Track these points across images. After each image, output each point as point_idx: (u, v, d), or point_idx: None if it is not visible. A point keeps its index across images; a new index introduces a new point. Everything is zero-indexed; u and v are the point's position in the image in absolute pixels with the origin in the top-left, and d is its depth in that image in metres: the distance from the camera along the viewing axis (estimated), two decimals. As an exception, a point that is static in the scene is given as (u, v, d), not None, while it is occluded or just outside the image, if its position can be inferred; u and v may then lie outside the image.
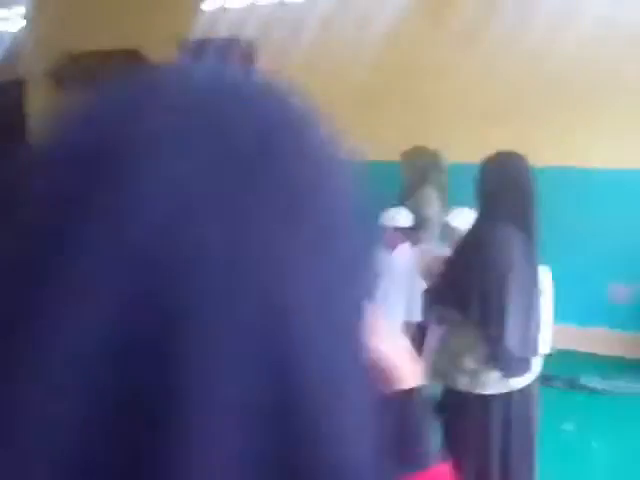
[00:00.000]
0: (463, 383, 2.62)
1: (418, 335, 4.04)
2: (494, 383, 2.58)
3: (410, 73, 5.40)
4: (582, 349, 4.98)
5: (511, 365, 2.56)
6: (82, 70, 7.25)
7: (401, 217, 4.05)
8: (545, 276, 3.42)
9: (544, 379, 4.38)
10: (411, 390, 0.71)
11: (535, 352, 2.68)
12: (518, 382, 2.62)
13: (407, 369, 0.72)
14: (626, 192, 4.89)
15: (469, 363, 2.59)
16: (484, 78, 5.14)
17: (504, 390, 2.60)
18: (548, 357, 4.72)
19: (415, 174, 4.39)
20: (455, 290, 2.61)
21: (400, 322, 4.03)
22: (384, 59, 5.43)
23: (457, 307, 2.62)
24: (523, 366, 2.61)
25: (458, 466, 2.12)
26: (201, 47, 5.93)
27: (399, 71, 5.45)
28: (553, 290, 3.49)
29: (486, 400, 2.60)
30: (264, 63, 6.04)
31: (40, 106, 7.11)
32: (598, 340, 5.00)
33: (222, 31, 5.98)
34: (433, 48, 5.27)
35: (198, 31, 6.02)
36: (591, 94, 4.88)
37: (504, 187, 2.55)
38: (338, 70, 5.61)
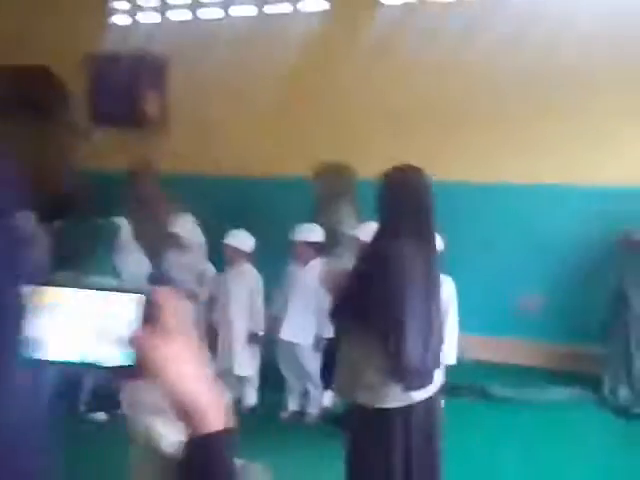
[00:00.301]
0: (364, 397, 2.59)
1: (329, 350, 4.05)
2: (394, 396, 2.55)
3: (323, 88, 5.42)
4: (492, 359, 5.08)
5: (411, 378, 2.54)
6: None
7: (312, 232, 4.06)
8: (448, 287, 3.48)
9: (452, 389, 4.47)
10: (218, 432, 0.70)
11: (437, 364, 2.68)
12: (419, 395, 2.60)
13: (213, 411, 0.71)
14: (538, 205, 5.06)
15: (369, 377, 2.57)
16: (394, 93, 5.21)
17: (404, 403, 2.57)
18: (457, 367, 4.83)
19: (328, 190, 4.39)
20: (354, 304, 2.59)
21: (313, 337, 4.03)
22: (297, 74, 5.43)
23: (356, 320, 2.60)
24: (424, 379, 2.59)
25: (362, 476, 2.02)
26: (110, 61, 5.79)
27: (312, 86, 5.46)
28: (457, 301, 3.56)
29: (387, 414, 2.57)
30: (174, 78, 5.94)
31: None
32: (508, 350, 5.11)
33: (133, 46, 5.84)
34: (346, 63, 5.32)
35: (108, 46, 5.86)
36: (498, 110, 5.03)
37: (402, 201, 2.56)
38: (250, 86, 5.59)
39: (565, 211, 5.00)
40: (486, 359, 5.07)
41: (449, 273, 3.60)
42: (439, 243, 3.34)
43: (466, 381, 4.61)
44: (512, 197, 5.09)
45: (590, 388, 4.54)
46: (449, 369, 3.67)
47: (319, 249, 4.08)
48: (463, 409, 4.31)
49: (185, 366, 0.72)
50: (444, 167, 5.07)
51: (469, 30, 4.95)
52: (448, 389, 4.33)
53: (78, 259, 4.05)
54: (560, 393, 4.51)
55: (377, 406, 2.56)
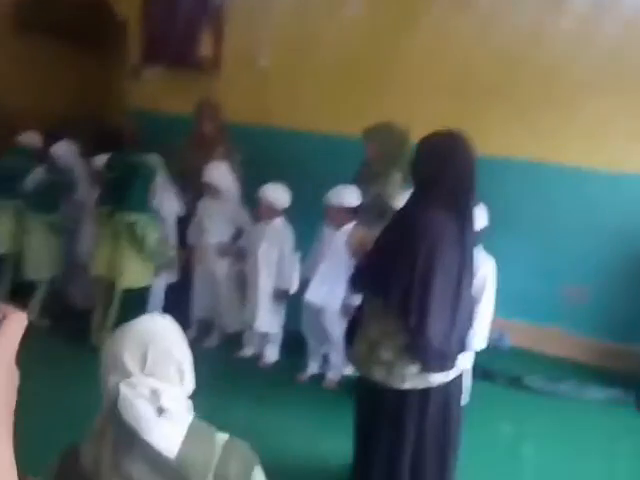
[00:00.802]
0: (379, 374, 2.38)
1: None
2: (411, 377, 2.34)
3: (391, 48, 5.10)
4: (532, 347, 4.80)
5: (430, 359, 2.32)
6: (45, 14, 6.92)
7: (347, 197, 3.83)
8: (487, 266, 3.21)
9: (486, 374, 4.25)
10: None
11: (462, 347, 2.45)
12: (438, 378, 2.38)
13: None
14: (596, 191, 4.66)
15: (386, 354, 2.36)
16: (463, 63, 4.87)
17: (421, 385, 2.36)
18: (494, 352, 4.59)
19: (384, 156, 4.08)
20: (377, 275, 2.37)
21: (340, 303, 3.85)
22: (364, 30, 5.13)
23: (378, 293, 2.38)
24: (445, 361, 2.37)
25: (370, 456, 1.90)
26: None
27: (380, 44, 5.14)
28: (497, 283, 3.30)
29: (402, 394, 2.37)
30: (233, 20, 5.71)
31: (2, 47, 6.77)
32: (548, 340, 4.81)
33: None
34: (419, 24, 4.98)
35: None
36: (572, 91, 4.63)
37: (437, 169, 2.30)
38: (312, 38, 5.32)
39: (622, 200, 4.59)
40: (525, 347, 4.80)
41: (492, 252, 3.35)
42: (481, 218, 3.08)
43: (502, 367, 4.38)
44: (571, 180, 4.71)
45: (633, 390, 4.21)
46: (483, 353, 3.47)
47: (354, 213, 3.84)
48: (495, 395, 4.11)
49: None
50: (505, 142, 4.77)
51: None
52: (481, 373, 4.17)
53: (117, 195, 4.00)
54: (599, 391, 4.20)
55: (392, 385, 2.36)
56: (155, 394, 1.27)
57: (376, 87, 5.15)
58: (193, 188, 4.49)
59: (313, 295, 3.88)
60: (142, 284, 4.13)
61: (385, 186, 3.98)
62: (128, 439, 1.25)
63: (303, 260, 4.12)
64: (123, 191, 3.98)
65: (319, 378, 4.09)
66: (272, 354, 4.27)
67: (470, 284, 2.43)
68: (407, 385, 2.36)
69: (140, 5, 5.76)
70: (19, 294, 4.50)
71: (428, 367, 2.33)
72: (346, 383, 3.95)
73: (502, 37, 4.68)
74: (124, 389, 1.26)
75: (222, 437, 1.38)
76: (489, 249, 3.30)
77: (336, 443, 3.12)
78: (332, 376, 4.04)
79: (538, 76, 4.68)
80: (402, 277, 2.26)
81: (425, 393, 2.39)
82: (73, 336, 4.26)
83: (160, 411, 1.26)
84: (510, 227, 4.68)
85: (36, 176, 4.53)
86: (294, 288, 4.07)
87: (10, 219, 4.62)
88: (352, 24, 5.13)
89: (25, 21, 6.79)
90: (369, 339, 2.45)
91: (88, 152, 4.71)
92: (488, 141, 4.67)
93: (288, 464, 3.11)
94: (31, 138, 4.81)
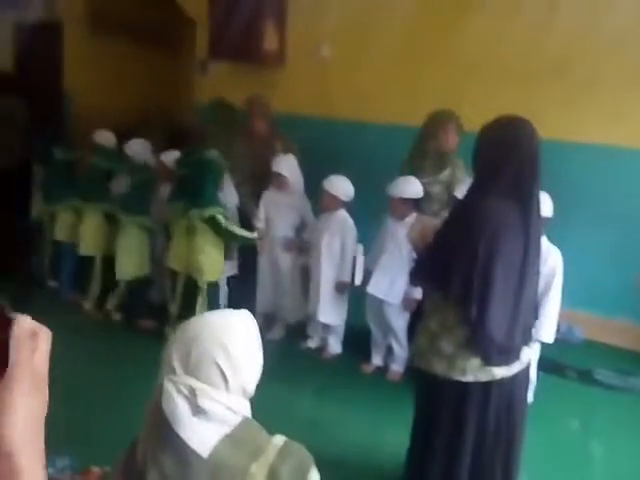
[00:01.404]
0: (440, 367, 2.39)
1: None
2: (473, 370, 2.34)
3: (453, 39, 5.03)
4: (604, 340, 4.66)
5: (493, 352, 2.30)
6: (118, 14, 7.18)
7: (411, 187, 3.83)
8: (554, 258, 3.15)
9: (555, 368, 4.17)
10: None
11: (526, 340, 2.42)
12: (501, 371, 2.36)
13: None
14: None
15: (447, 346, 2.36)
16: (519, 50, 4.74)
17: (484, 379, 2.35)
18: (565, 345, 4.49)
19: (436, 144, 4.05)
20: (437, 267, 2.37)
21: (402, 296, 3.86)
22: (427, 22, 5.08)
23: (438, 285, 2.38)
24: (508, 354, 2.35)
25: (428, 450, 1.92)
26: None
27: (442, 36, 5.08)
28: (565, 274, 3.23)
29: (463, 387, 2.37)
30: (297, 14, 5.76)
31: (75, 49, 7.07)
32: (620, 332, 4.66)
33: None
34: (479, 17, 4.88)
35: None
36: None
37: (499, 156, 2.25)
38: (375, 30, 5.30)
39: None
40: (595, 339, 4.67)
41: (561, 241, 3.28)
42: (545, 207, 3.01)
43: (571, 360, 4.29)
44: (637, 163, 4.52)
45: None
46: (552, 346, 3.41)
47: (416, 205, 3.84)
48: (564, 389, 4.03)
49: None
50: (574, 126, 4.63)
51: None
52: (550, 366, 4.09)
53: (190, 192, 4.12)
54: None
55: (454, 378, 2.36)
56: (193, 393, 1.28)
57: (438, 75, 5.09)
58: (250, 183, 4.59)
59: (375, 287, 3.90)
60: (221, 276, 4.27)
61: (453, 172, 3.97)
62: (166, 433, 1.28)
63: (366, 252, 4.15)
64: (196, 187, 4.06)
65: (383, 370, 4.12)
66: (335, 346, 4.32)
67: (535, 275, 2.39)
68: (469, 378, 2.35)
69: (206, 2, 5.89)
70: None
71: (490, 360, 2.31)
72: (410, 375, 3.97)
73: (566, 16, 4.53)
74: (167, 385, 1.29)
75: (279, 440, 1.36)
76: (558, 239, 3.23)
77: (399, 435, 3.14)
78: (396, 368, 4.06)
79: (607, 55, 4.51)
80: (462, 269, 2.25)
81: (487, 386, 2.37)
82: (151, 331, 4.45)
83: (197, 410, 1.27)
84: (579, 215, 4.56)
85: (122, 178, 4.70)
86: (358, 280, 4.10)
87: (101, 222, 4.78)
88: (414, 11, 5.08)
89: (98, 22, 7.07)
90: (430, 331, 2.45)
91: (161, 149, 4.85)
92: (555, 124, 4.58)
93: (350, 456, 3.16)
94: (106, 137, 4.96)
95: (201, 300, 4.09)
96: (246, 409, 1.37)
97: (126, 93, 6.97)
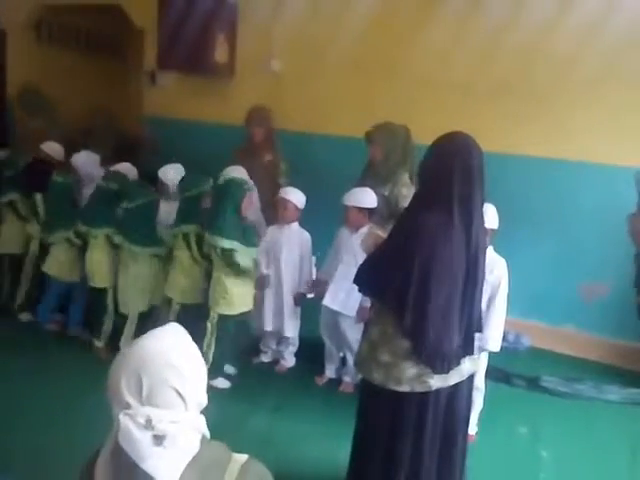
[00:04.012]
0: (378, 376, 2.40)
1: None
2: (409, 380, 2.35)
3: (398, 51, 5.12)
4: (550, 348, 4.79)
5: (431, 360, 2.32)
6: (61, 23, 7.04)
7: (364, 198, 3.85)
8: (499, 268, 3.21)
9: (503, 376, 4.25)
10: None
11: (467, 351, 2.45)
12: (437, 382, 2.37)
13: None
14: (611, 187, 4.63)
15: (385, 356, 2.37)
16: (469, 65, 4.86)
17: (420, 389, 2.36)
18: (512, 354, 4.58)
19: (387, 157, 4.10)
20: (375, 276, 2.39)
21: (357, 307, 3.86)
22: (374, 32, 5.16)
23: (376, 294, 2.40)
24: (449, 363, 2.36)
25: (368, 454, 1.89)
26: (183, 5, 5.68)
27: (387, 46, 5.17)
28: (511, 284, 3.29)
29: (399, 396, 2.38)
30: (247, 26, 5.77)
31: (18, 57, 6.89)
32: (566, 340, 4.79)
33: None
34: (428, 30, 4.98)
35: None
36: (585, 89, 4.61)
37: (441, 170, 2.30)
38: (324, 38, 5.35)
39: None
40: (542, 347, 4.79)
41: (507, 252, 3.35)
42: (491, 219, 3.08)
43: (519, 369, 4.38)
44: (587, 176, 4.68)
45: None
46: (500, 354, 3.47)
47: (371, 215, 3.87)
48: (512, 397, 4.11)
49: None
50: (519, 139, 4.76)
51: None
52: (498, 375, 4.17)
53: (194, 214, 3.96)
54: (617, 392, 4.18)
55: (390, 387, 2.38)
56: (150, 423, 1.22)
57: (388, 88, 5.17)
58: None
59: (331, 300, 3.90)
60: (238, 310, 3.91)
61: (394, 187, 4.01)
62: (127, 469, 1.23)
63: (317, 263, 4.15)
64: (213, 212, 3.79)
65: (336, 382, 4.12)
66: (290, 359, 4.30)
67: (477, 285, 2.42)
68: (405, 388, 2.36)
69: (156, 13, 5.83)
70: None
71: (433, 369, 2.34)
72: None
73: (515, 35, 4.66)
74: (123, 420, 1.23)
75: (239, 459, 1.33)
76: (505, 249, 3.30)
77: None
78: (348, 380, 4.07)
79: (553, 71, 4.67)
80: (398, 279, 2.28)
81: (424, 397, 2.39)
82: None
83: (158, 439, 1.22)
84: (525, 226, 4.68)
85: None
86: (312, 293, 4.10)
87: (110, 249, 4.26)
88: (365, 26, 5.15)
89: (44, 31, 6.92)
90: (370, 340, 2.47)
91: (109, 160, 4.75)
92: (502, 138, 4.72)
93: (305, 470, 3.14)
94: (53, 149, 4.80)
95: (210, 331, 3.84)
96: (204, 425, 1.33)
97: (72, 103, 6.83)
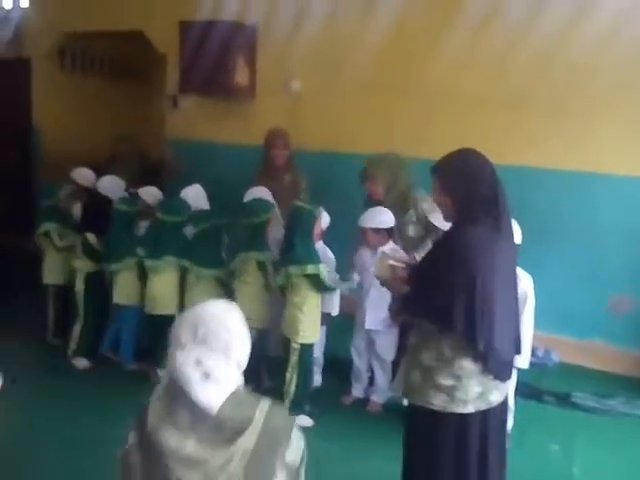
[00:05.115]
0: (438, 401, 2.36)
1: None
2: (473, 401, 2.33)
3: (414, 68, 5.15)
4: (579, 363, 4.72)
5: (503, 371, 2.36)
6: (84, 50, 7.19)
7: (383, 218, 3.86)
8: (525, 283, 3.18)
9: (533, 393, 4.19)
10: None
11: (519, 351, 2.49)
12: (496, 397, 2.38)
13: None
14: (632, 200, 4.58)
15: (445, 379, 2.34)
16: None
17: (483, 407, 2.35)
18: (541, 369, 4.51)
19: (393, 187, 4.03)
20: (433, 300, 2.33)
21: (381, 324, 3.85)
22: (390, 52, 5.19)
23: (435, 318, 2.33)
24: (510, 372, 2.44)
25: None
26: (204, 30, 5.77)
27: (404, 65, 5.20)
28: (535, 298, 3.27)
29: (464, 419, 2.36)
30: (266, 48, 5.85)
31: (43, 85, 7.05)
32: (595, 355, 4.71)
33: (226, 15, 5.79)
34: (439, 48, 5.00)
35: (201, 14, 5.84)
36: (602, 97, 4.57)
37: (484, 186, 2.30)
38: (341, 59, 5.40)
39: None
40: (572, 362, 4.71)
41: (532, 268, 3.32)
42: (517, 235, 3.06)
43: (549, 385, 4.32)
44: (612, 188, 4.63)
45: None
46: (529, 371, 3.43)
47: (390, 234, 3.87)
48: (543, 414, 4.05)
49: None
50: (541, 153, 4.74)
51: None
52: (528, 392, 4.11)
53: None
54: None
55: (454, 411, 2.35)
56: (200, 361, 1.52)
57: (406, 105, 5.20)
58: None
59: (373, 323, 3.90)
60: (317, 338, 3.90)
61: (414, 209, 4.00)
62: (179, 397, 1.52)
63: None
64: (290, 240, 3.70)
65: (362, 402, 4.09)
66: (316, 379, 4.27)
67: (517, 297, 2.46)
68: (469, 409, 2.34)
69: (177, 38, 5.93)
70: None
71: (504, 378, 2.38)
72: (390, 406, 3.95)
73: (531, 46, 4.66)
74: (179, 356, 1.53)
75: (268, 402, 1.61)
76: (530, 264, 3.27)
77: (381, 467, 3.12)
78: (376, 399, 4.04)
79: (573, 81, 4.65)
80: (460, 300, 2.23)
81: (486, 414, 2.38)
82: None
83: (204, 376, 1.52)
84: (551, 241, 4.64)
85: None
86: (335, 311, 4.09)
87: (174, 276, 4.21)
88: (381, 44, 5.18)
89: (68, 58, 7.08)
90: (423, 366, 2.41)
91: (133, 185, 4.81)
92: (524, 152, 4.70)
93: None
94: (83, 175, 4.76)
95: (294, 362, 3.72)
96: (240, 380, 1.62)
97: (96, 128, 6.96)
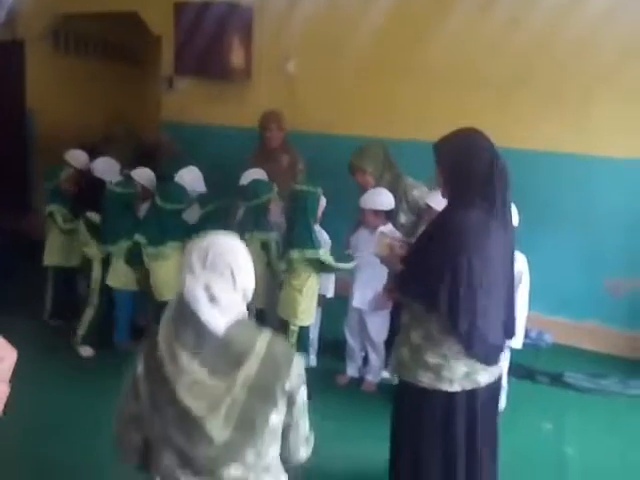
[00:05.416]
0: (426, 378, 2.40)
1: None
2: (459, 379, 2.36)
3: (412, 50, 5.12)
4: (573, 344, 4.76)
5: (488, 354, 2.36)
6: (79, 32, 7.14)
7: (383, 199, 3.88)
8: (519, 264, 3.20)
9: (527, 373, 4.23)
10: None
11: (508, 337, 2.51)
12: (484, 378, 2.39)
13: None
14: (627, 181, 4.59)
15: (432, 358, 2.37)
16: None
17: (469, 387, 2.38)
18: (535, 351, 4.55)
19: (384, 177, 4.07)
20: (423, 281, 2.36)
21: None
22: (389, 34, 5.16)
23: (426, 299, 2.36)
24: (497, 356, 2.42)
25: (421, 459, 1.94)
26: (199, 11, 5.73)
27: (403, 47, 5.17)
28: (530, 279, 3.29)
29: (450, 397, 2.39)
30: (262, 30, 5.81)
31: (37, 66, 7.00)
32: (589, 336, 4.75)
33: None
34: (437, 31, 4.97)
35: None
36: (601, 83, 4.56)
37: (479, 169, 2.29)
38: (338, 40, 5.37)
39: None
40: (565, 343, 4.75)
41: (527, 249, 3.34)
42: (514, 217, 3.07)
43: (542, 365, 4.35)
44: (608, 171, 4.63)
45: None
46: (523, 351, 3.46)
47: (389, 216, 3.89)
48: (536, 394, 4.10)
49: None
50: (541, 135, 4.74)
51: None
52: (522, 372, 4.15)
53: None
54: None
55: (441, 389, 2.39)
56: (209, 285, 1.59)
57: (404, 86, 5.18)
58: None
59: (361, 301, 3.95)
60: (312, 321, 3.93)
61: (405, 196, 4.03)
62: (187, 320, 1.59)
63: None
64: (294, 224, 3.74)
65: (357, 381, 4.13)
66: (311, 359, 4.30)
67: (512, 280, 2.47)
68: (456, 387, 2.37)
69: (172, 19, 5.89)
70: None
71: (487, 363, 2.38)
72: (384, 386, 3.99)
73: (530, 29, 4.64)
74: (188, 279, 1.60)
75: (268, 332, 1.68)
76: (526, 245, 3.28)
77: (375, 446, 3.14)
78: (370, 379, 4.08)
79: (570, 65, 4.65)
80: (445, 281, 2.26)
81: (474, 394, 2.41)
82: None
83: (212, 299, 1.59)
84: (547, 222, 4.66)
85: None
86: (330, 292, 4.11)
87: (178, 261, 3.93)
88: (380, 25, 5.16)
89: (61, 40, 7.02)
90: (412, 344, 2.45)
91: (127, 166, 4.80)
92: (523, 134, 4.70)
93: (325, 467, 3.14)
94: (76, 157, 4.77)
95: (292, 344, 3.68)
96: (245, 310, 1.68)
97: (91, 111, 6.93)
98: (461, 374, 2.36)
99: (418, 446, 2.53)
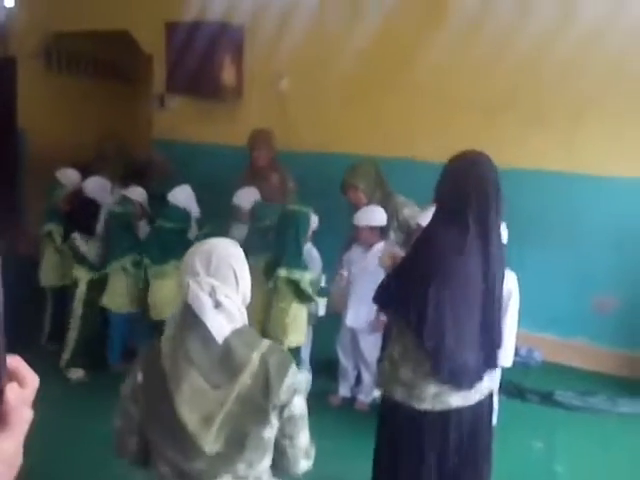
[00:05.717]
0: (399, 394, 2.42)
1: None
2: (429, 398, 2.36)
3: (401, 69, 5.19)
4: (562, 362, 4.78)
5: (457, 378, 2.33)
6: (70, 50, 7.16)
7: (378, 216, 3.91)
8: (509, 282, 3.22)
9: (517, 392, 4.24)
10: None
11: (489, 366, 2.46)
12: (457, 401, 2.37)
13: None
14: (616, 201, 4.65)
15: (406, 373, 2.39)
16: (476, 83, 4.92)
17: (439, 407, 2.37)
18: (524, 368, 4.57)
19: (375, 194, 4.10)
20: (397, 295, 2.41)
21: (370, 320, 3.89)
22: (378, 52, 5.23)
23: (398, 313, 2.42)
24: (471, 380, 2.38)
25: (394, 473, 1.97)
26: (190, 30, 5.78)
27: (391, 66, 5.24)
28: (521, 298, 3.31)
29: (421, 415, 2.39)
30: (253, 49, 5.87)
31: (28, 84, 7.01)
32: (578, 353, 4.78)
33: (212, 15, 5.80)
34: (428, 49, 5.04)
35: (187, 14, 5.85)
36: (589, 101, 4.64)
37: (458, 189, 2.32)
38: (328, 59, 5.42)
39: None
40: (555, 361, 4.78)
41: (517, 267, 3.37)
42: (503, 234, 3.10)
43: (532, 384, 4.37)
44: (597, 190, 4.69)
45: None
46: (513, 370, 3.47)
47: (382, 233, 3.92)
48: (526, 412, 4.10)
49: None
50: (529, 154, 4.80)
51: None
52: (512, 390, 4.16)
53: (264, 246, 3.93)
54: (632, 404, 4.16)
55: (412, 405, 2.39)
56: (214, 290, 1.62)
57: (394, 105, 5.25)
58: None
59: (354, 320, 3.96)
60: (304, 342, 3.93)
61: (397, 214, 4.06)
62: (192, 322, 1.61)
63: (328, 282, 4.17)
64: (281, 243, 3.73)
65: (349, 401, 4.13)
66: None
67: (495, 301, 2.43)
68: (425, 406, 2.37)
69: (163, 38, 5.93)
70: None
71: (457, 386, 2.34)
72: (377, 406, 3.97)
73: (519, 46, 4.70)
74: (192, 284, 1.62)
75: (265, 343, 1.70)
76: (515, 263, 3.31)
77: (367, 465, 3.13)
78: (363, 398, 4.08)
79: (557, 85, 4.73)
80: (416, 296, 2.29)
81: (445, 415, 2.39)
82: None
83: (216, 304, 1.62)
84: (536, 240, 4.71)
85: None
86: (322, 311, 4.10)
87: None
88: (370, 45, 5.22)
89: (54, 59, 7.03)
90: (391, 358, 2.48)
91: (119, 185, 4.80)
92: (512, 152, 4.75)
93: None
94: (67, 176, 4.76)
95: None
96: (245, 315, 1.71)
97: (83, 129, 6.93)
98: (431, 393, 2.36)
99: (395, 460, 2.55)
